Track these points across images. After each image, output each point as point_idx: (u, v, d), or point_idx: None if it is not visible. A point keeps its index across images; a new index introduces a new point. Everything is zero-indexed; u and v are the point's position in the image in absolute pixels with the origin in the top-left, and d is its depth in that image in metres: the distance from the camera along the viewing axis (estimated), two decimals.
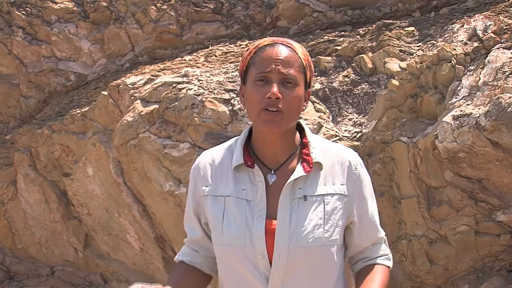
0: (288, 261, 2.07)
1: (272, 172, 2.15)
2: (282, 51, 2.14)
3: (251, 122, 2.22)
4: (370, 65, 4.58)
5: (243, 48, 5.13)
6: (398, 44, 4.59)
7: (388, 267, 2.22)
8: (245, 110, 4.45)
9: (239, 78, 2.25)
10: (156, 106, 4.68)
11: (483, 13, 4.45)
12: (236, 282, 2.13)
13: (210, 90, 4.61)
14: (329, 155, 2.18)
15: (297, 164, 2.16)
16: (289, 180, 2.11)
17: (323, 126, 4.38)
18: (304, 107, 2.17)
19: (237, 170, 2.16)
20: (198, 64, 5.05)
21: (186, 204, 2.27)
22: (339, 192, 2.14)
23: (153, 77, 4.93)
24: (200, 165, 2.23)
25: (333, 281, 2.14)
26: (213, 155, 2.23)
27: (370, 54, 4.64)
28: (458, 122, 3.88)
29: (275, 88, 2.08)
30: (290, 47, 2.16)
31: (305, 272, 2.10)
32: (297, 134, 2.22)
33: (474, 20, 4.40)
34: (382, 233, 2.24)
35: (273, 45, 2.16)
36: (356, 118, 4.45)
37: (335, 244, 2.11)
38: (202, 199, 2.19)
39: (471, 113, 3.86)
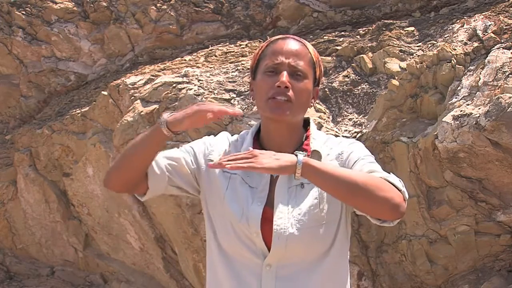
0: (287, 243, 2.11)
1: None
2: (293, 45, 2.20)
3: (260, 118, 2.26)
4: (370, 65, 4.58)
5: (243, 48, 5.13)
6: (398, 44, 4.59)
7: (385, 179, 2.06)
8: (244, 109, 4.46)
9: (250, 74, 2.29)
10: (156, 106, 4.68)
11: (483, 13, 4.45)
12: (233, 254, 2.16)
13: (210, 90, 4.61)
14: (328, 145, 2.23)
15: None
16: None
17: (323, 126, 4.38)
18: (312, 104, 2.21)
19: None
20: (198, 64, 5.05)
21: (184, 146, 2.31)
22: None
23: (153, 77, 4.93)
24: (219, 139, 2.30)
25: (333, 262, 2.15)
26: (228, 139, 2.31)
27: (370, 54, 4.64)
28: (458, 122, 3.88)
29: (284, 77, 2.14)
30: (301, 42, 2.23)
31: (303, 255, 2.12)
32: (303, 130, 2.26)
33: (474, 20, 4.40)
34: (376, 171, 2.12)
35: (284, 38, 2.23)
36: (356, 118, 4.45)
37: (331, 220, 2.14)
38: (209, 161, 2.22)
39: (471, 113, 3.86)
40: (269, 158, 2.00)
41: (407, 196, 2.08)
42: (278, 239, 2.11)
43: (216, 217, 2.19)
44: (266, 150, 2.19)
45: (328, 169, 2.02)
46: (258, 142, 2.24)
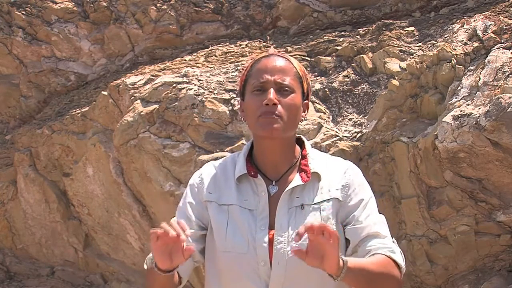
0: (287, 267, 2.09)
1: (274, 183, 2.17)
2: (277, 61, 2.20)
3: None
4: (370, 65, 4.58)
5: (243, 48, 5.13)
6: (398, 44, 4.59)
7: (390, 257, 2.15)
8: None
9: (239, 95, 2.29)
10: (156, 106, 4.68)
11: (483, 13, 4.45)
12: None
13: (210, 90, 4.61)
14: (327, 166, 2.21)
15: (296, 174, 2.19)
16: (286, 189, 2.15)
17: (323, 126, 4.38)
18: (303, 118, 2.21)
19: (239, 181, 2.19)
20: (198, 64, 5.05)
21: (179, 205, 2.26)
22: (334, 196, 2.17)
23: (153, 77, 4.93)
24: (203, 174, 2.25)
25: (333, 284, 2.14)
26: (215, 167, 2.26)
27: (370, 54, 4.64)
28: (458, 122, 3.88)
29: (271, 95, 2.13)
30: (285, 57, 2.23)
31: (305, 278, 2.11)
32: (297, 147, 2.25)
33: (474, 20, 4.40)
34: (383, 233, 2.20)
35: (268, 56, 2.23)
36: (356, 118, 4.45)
37: None
38: (207, 204, 2.20)
39: (471, 113, 3.86)
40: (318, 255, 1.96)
41: (404, 270, 2.18)
42: (278, 264, 2.10)
43: (221, 254, 2.16)
44: (259, 170, 2.20)
45: (361, 274, 2.05)
46: (252, 163, 2.22)
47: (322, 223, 1.95)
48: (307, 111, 2.25)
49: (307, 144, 2.27)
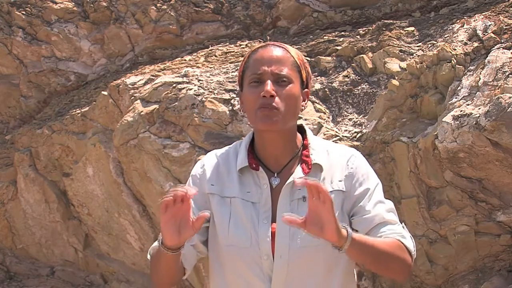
0: (290, 261, 2.08)
1: (275, 175, 2.16)
2: (274, 51, 2.17)
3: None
4: (370, 65, 4.58)
5: (243, 48, 5.13)
6: (398, 44, 4.59)
7: (402, 242, 2.13)
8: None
9: (238, 86, 2.26)
10: (156, 106, 4.68)
11: (483, 13, 4.45)
12: (238, 282, 2.14)
13: (210, 90, 4.61)
14: (329, 156, 2.19)
15: (297, 165, 2.16)
16: (287, 181, 2.13)
17: (323, 126, 4.38)
18: (303, 107, 2.18)
19: (241, 173, 2.17)
20: (198, 64, 5.05)
21: None
22: (337, 188, 2.15)
23: (153, 77, 4.93)
24: (206, 165, 2.23)
25: (338, 279, 2.14)
26: (217, 157, 2.24)
27: (370, 54, 4.64)
28: (458, 122, 3.88)
29: (268, 86, 2.11)
30: (282, 47, 2.19)
31: (308, 271, 2.10)
32: (299, 137, 2.22)
33: (474, 20, 4.40)
34: (393, 220, 2.18)
35: (265, 46, 2.20)
36: (356, 118, 4.45)
37: None
38: (209, 196, 2.19)
39: (471, 113, 3.86)
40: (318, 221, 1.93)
41: (415, 256, 2.16)
42: (281, 257, 2.08)
43: (224, 247, 2.15)
44: (261, 161, 2.18)
45: (367, 248, 2.03)
46: (253, 154, 2.20)
47: (317, 181, 1.92)
48: (307, 100, 2.22)
49: (309, 132, 2.24)
